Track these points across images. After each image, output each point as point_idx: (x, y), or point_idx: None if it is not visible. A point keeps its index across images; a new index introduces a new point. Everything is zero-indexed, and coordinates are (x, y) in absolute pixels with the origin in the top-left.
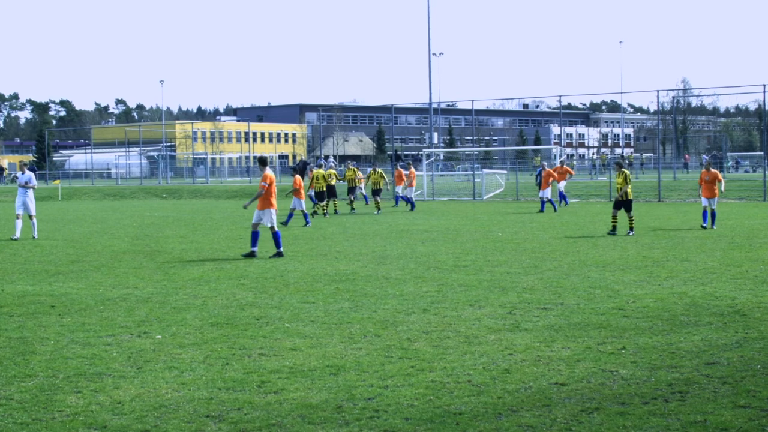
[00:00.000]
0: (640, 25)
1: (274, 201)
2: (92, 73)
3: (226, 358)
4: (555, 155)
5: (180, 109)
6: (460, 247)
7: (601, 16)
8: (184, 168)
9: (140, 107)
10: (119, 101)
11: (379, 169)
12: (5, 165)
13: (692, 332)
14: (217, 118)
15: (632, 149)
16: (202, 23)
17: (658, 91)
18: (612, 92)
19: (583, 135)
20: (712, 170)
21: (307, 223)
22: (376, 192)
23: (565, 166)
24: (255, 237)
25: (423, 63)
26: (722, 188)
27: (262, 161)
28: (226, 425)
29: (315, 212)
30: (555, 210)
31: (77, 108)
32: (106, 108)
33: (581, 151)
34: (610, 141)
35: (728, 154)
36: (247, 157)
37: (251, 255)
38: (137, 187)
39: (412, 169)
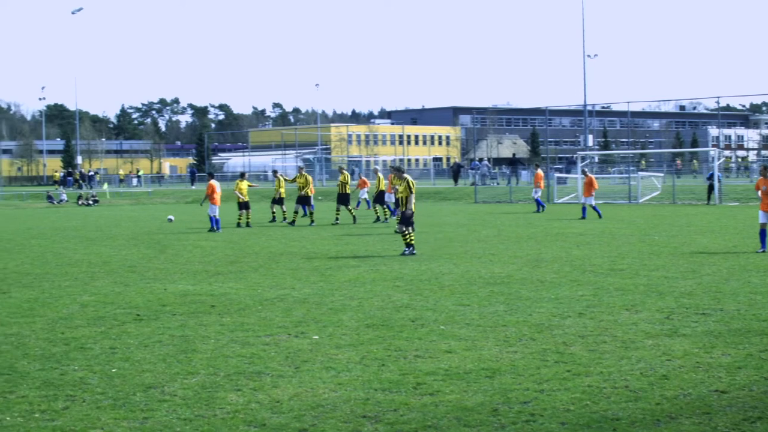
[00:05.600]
0: None
1: None
2: (250, 78)
3: (382, 360)
4: (713, 158)
5: (335, 112)
6: (615, 251)
7: (761, 13)
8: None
9: (296, 111)
10: (276, 105)
11: (305, 173)
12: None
13: None
14: (372, 120)
15: None
16: (358, 29)
17: None
18: None
19: (743, 137)
20: None
21: (214, 229)
22: (302, 199)
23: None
24: None
25: (577, 65)
26: None
27: None
28: (383, 426)
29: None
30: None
31: (235, 112)
32: (263, 111)
33: (740, 153)
34: None
35: None
36: (401, 160)
37: None
38: (293, 189)
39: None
